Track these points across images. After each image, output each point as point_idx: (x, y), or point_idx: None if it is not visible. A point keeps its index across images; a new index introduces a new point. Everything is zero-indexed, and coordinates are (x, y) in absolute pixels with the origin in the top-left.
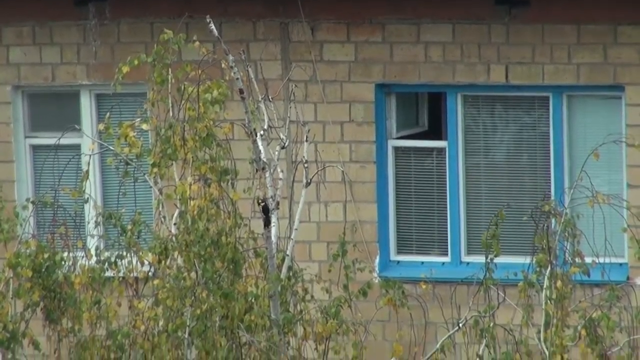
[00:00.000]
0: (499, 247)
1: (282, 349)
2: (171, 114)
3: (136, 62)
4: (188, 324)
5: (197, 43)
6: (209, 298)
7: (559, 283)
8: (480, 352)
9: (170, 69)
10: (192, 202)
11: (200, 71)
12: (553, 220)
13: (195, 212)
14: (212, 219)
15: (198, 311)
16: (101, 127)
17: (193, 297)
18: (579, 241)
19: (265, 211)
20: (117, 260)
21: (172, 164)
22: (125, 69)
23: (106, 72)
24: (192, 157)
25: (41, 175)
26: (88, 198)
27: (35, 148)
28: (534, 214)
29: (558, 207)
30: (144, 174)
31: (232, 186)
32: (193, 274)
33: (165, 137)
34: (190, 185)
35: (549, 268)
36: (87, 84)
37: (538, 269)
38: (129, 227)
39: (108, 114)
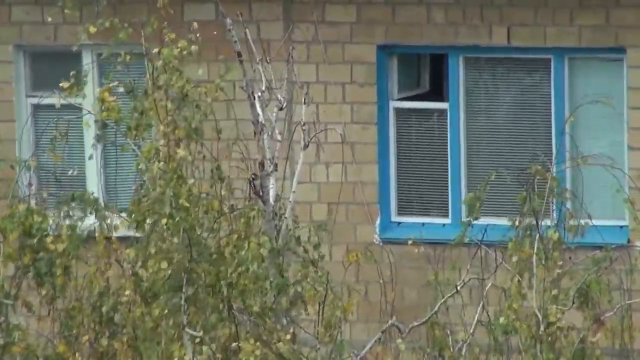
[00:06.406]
0: (479, 210)
1: (278, 313)
2: (147, 75)
3: (107, 24)
4: (183, 290)
5: None
6: (184, 260)
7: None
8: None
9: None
10: (156, 163)
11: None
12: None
13: (155, 174)
14: (172, 181)
15: (166, 273)
16: (65, 85)
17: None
18: (566, 202)
19: (256, 189)
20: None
21: (150, 127)
22: (92, 30)
23: (108, 33)
24: (166, 120)
25: (42, 135)
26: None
27: (36, 107)
28: (524, 176)
29: (545, 168)
30: (125, 136)
31: (202, 146)
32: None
33: (139, 102)
34: (158, 146)
35: (538, 231)
36: (89, 43)
37: (528, 232)
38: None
39: (72, 72)
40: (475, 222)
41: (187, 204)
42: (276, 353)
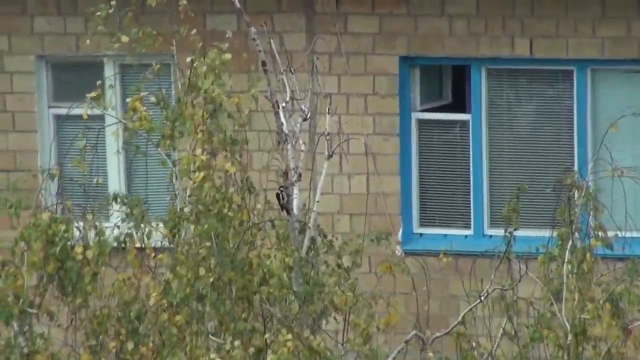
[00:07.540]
0: (518, 221)
1: (303, 321)
2: (179, 86)
3: (141, 33)
4: (207, 295)
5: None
6: (218, 268)
7: (587, 256)
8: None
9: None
10: (197, 173)
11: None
12: (575, 194)
13: (197, 183)
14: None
15: (207, 281)
16: (93, 94)
17: (209, 269)
18: (599, 215)
19: (280, 198)
20: (126, 239)
21: (184, 136)
22: (124, 39)
23: (130, 43)
24: (201, 128)
25: (69, 146)
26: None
27: (58, 118)
28: (556, 187)
29: (580, 180)
30: (157, 146)
31: (239, 157)
32: (208, 245)
33: (172, 112)
34: (195, 156)
35: (571, 241)
36: (112, 54)
37: (560, 242)
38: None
39: (99, 82)
40: (517, 233)
41: (231, 214)
42: (307, 346)
